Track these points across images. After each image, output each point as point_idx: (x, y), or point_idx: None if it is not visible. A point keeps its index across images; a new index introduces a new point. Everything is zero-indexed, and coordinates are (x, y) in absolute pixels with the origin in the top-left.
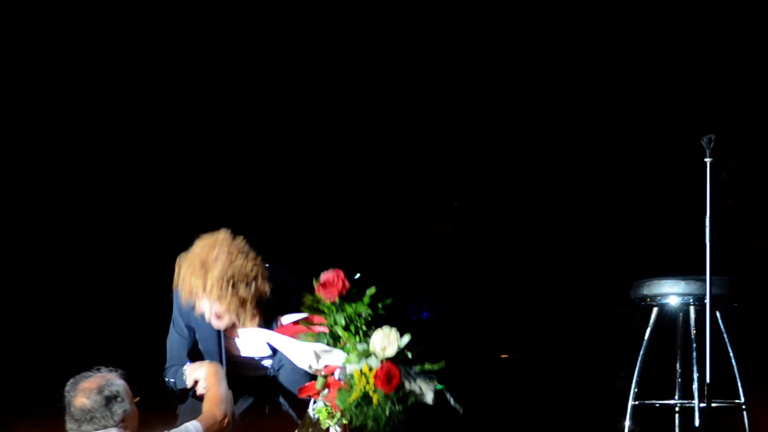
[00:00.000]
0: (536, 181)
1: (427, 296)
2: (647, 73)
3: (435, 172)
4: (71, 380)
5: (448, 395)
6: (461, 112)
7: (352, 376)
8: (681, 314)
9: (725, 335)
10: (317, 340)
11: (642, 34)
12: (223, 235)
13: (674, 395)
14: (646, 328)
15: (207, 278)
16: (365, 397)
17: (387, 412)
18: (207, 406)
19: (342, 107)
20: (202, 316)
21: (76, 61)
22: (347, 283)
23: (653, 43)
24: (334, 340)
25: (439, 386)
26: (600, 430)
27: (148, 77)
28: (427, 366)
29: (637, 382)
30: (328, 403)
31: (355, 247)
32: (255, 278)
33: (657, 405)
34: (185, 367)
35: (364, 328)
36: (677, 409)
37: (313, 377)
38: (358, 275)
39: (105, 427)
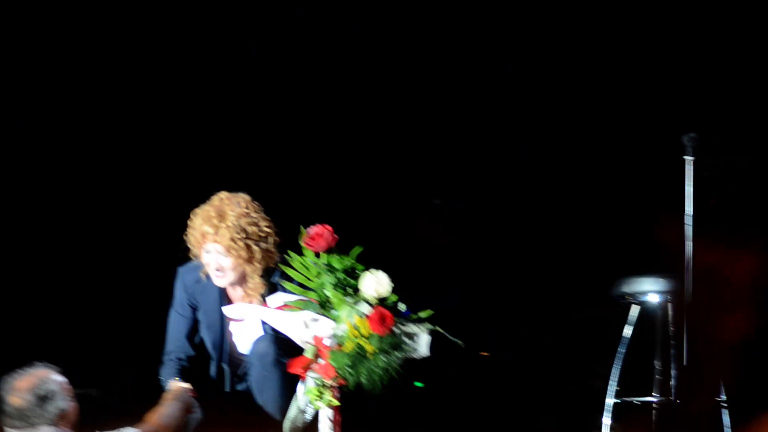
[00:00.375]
0: (536, 181)
1: (422, 297)
2: (644, 73)
3: (434, 171)
4: (7, 378)
5: (446, 334)
6: (461, 112)
7: (343, 335)
8: (660, 312)
9: None
10: (305, 309)
11: (643, 33)
12: (243, 194)
13: (653, 392)
14: (624, 326)
15: (220, 226)
16: (359, 355)
17: (381, 365)
18: (149, 416)
19: (342, 108)
20: (208, 290)
21: (75, 61)
22: (335, 236)
23: (654, 43)
24: (322, 307)
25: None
26: (579, 427)
27: (147, 77)
28: (413, 316)
29: (616, 379)
30: (318, 379)
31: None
32: (266, 238)
33: (636, 402)
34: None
35: (351, 290)
36: (656, 406)
37: (296, 352)
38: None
39: (37, 425)
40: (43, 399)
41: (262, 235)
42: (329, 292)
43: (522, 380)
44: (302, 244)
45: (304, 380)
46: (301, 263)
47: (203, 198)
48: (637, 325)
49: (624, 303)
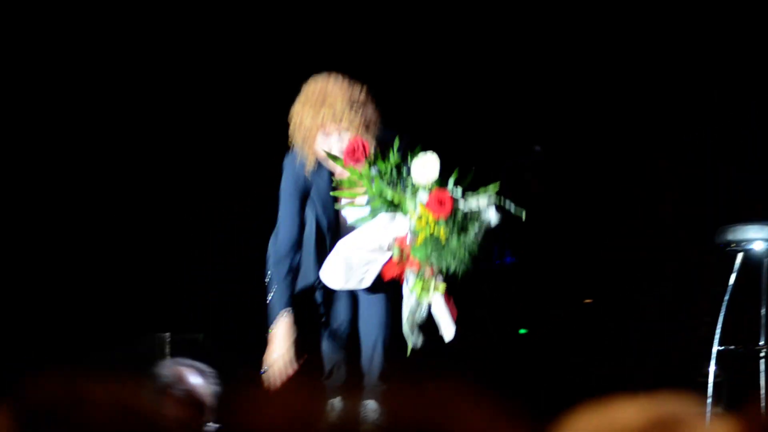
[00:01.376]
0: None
1: (511, 238)
2: None
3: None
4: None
5: (508, 204)
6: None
7: (416, 229)
8: (766, 260)
9: None
10: (377, 214)
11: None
12: (324, 73)
13: (759, 340)
14: (730, 274)
15: (335, 108)
16: (435, 242)
17: (461, 245)
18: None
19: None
20: (319, 174)
21: (68, 61)
22: (368, 146)
23: None
24: (392, 206)
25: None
26: (684, 375)
27: (146, 76)
28: (481, 189)
29: (721, 327)
30: (414, 272)
31: None
32: (368, 101)
33: (741, 350)
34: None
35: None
36: (762, 354)
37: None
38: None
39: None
40: (157, 386)
41: (364, 99)
42: (389, 194)
43: (625, 329)
44: (344, 166)
45: (403, 282)
46: (352, 183)
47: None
48: (742, 273)
49: (728, 251)
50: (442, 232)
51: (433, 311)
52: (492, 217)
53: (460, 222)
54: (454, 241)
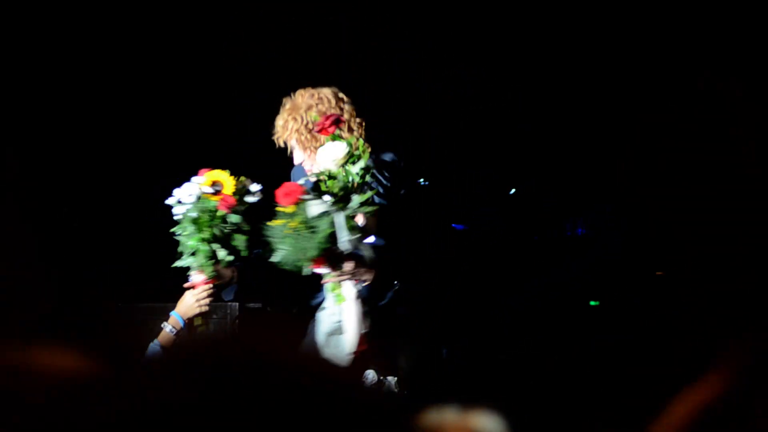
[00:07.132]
0: None
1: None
2: None
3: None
4: None
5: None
6: None
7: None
8: None
9: None
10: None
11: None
12: (328, 89)
13: None
14: None
15: (288, 119)
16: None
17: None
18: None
19: None
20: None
21: (57, 62)
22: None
23: None
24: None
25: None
26: None
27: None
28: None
29: None
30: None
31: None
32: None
33: None
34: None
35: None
36: None
37: None
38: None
39: None
40: None
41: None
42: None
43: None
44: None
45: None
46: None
47: None
48: None
49: None
50: (294, 224)
51: (342, 318)
52: (341, 219)
53: (307, 221)
54: (304, 239)
